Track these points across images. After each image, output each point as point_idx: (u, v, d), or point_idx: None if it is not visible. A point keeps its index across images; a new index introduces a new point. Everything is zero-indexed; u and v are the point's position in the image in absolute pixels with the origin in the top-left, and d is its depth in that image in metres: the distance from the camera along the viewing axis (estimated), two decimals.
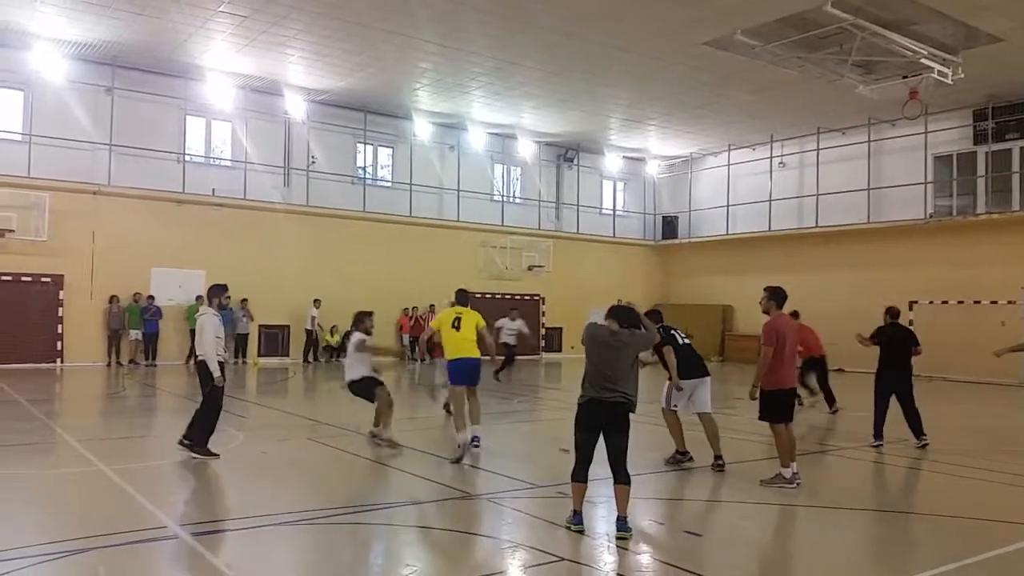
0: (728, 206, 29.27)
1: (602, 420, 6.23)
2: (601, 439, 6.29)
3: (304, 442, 10.46)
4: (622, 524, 6.10)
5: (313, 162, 24.19)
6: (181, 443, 8.88)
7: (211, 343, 8.84)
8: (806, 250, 26.59)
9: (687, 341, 9.07)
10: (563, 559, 5.60)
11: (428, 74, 21.49)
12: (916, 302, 22.34)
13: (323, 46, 19.24)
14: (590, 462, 6.29)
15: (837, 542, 6.45)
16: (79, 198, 20.42)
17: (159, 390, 16.59)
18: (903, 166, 24.24)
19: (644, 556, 5.87)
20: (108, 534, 5.91)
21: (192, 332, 21.16)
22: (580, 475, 6.28)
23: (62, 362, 20.27)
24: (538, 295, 28.75)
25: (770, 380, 7.98)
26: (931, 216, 23.48)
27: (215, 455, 8.83)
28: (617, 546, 5.93)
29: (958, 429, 13.40)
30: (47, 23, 18.08)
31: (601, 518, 6.99)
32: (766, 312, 8.20)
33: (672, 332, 8.93)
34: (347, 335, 9.84)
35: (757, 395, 8.02)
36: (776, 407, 8.02)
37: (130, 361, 20.97)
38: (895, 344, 10.85)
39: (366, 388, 9.81)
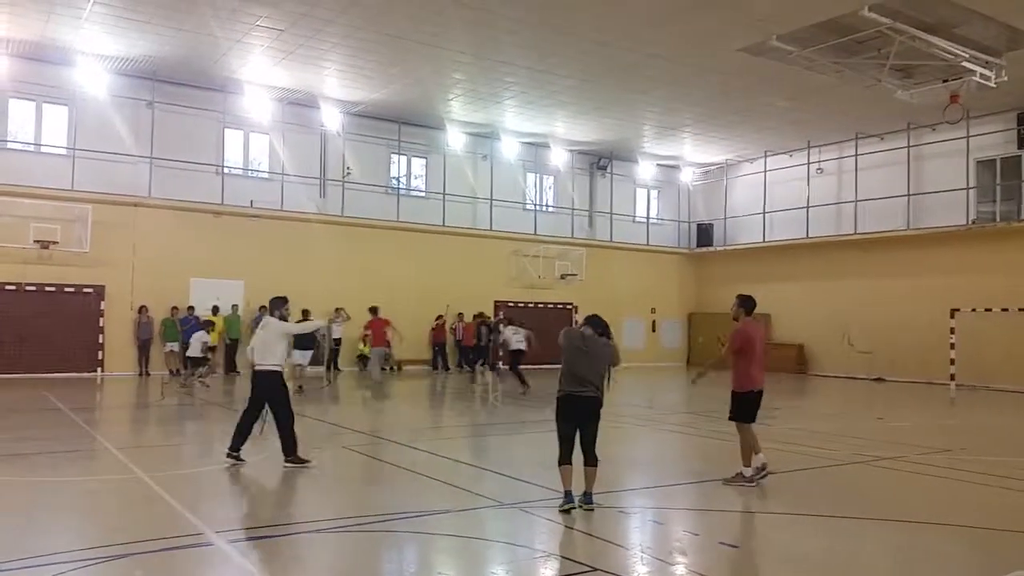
0: (764, 213, 28.94)
1: (577, 412, 7.17)
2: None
3: (339, 450, 10.52)
4: (588, 498, 7.04)
5: (348, 173, 24.43)
6: (285, 464, 8.98)
7: (283, 352, 9.24)
8: (845, 257, 26.18)
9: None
10: (596, 569, 5.54)
11: (461, 84, 21.61)
12: (958, 310, 21.85)
13: (358, 58, 19.45)
14: (572, 448, 7.15)
15: (873, 553, 6.30)
16: (120, 210, 20.85)
17: (198, 399, 16.81)
18: (944, 171, 23.76)
19: (679, 567, 5.79)
20: (145, 540, 5.99)
21: (233, 342, 21.73)
22: (566, 459, 7.13)
23: (102, 371, 20.65)
24: (571, 304, 28.66)
25: (741, 382, 8.49)
26: (973, 222, 22.97)
27: (305, 461, 9.03)
28: (583, 510, 6.89)
29: (994, 438, 13.04)
30: (90, 39, 18.52)
31: (634, 528, 6.93)
32: (735, 319, 8.73)
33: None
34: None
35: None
36: (745, 408, 8.52)
37: (174, 372, 21.17)
38: None
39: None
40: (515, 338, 18.63)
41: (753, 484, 8.25)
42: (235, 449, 9.03)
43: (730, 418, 8.62)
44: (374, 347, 19.86)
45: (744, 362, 8.42)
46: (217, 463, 9.19)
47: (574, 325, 7.63)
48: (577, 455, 7.18)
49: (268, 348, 9.15)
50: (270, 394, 9.12)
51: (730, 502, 7.95)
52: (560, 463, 7.14)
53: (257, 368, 9.17)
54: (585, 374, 7.17)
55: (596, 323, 7.48)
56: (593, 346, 7.27)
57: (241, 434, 9.07)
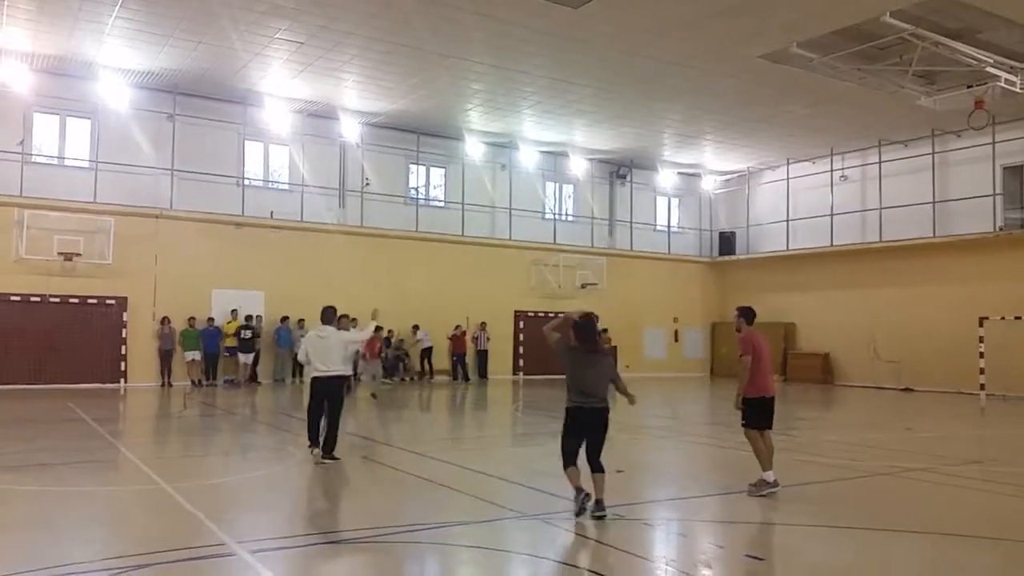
0: (788, 221, 28.70)
1: (587, 423, 7.26)
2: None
3: (359, 461, 10.48)
4: (600, 506, 7.01)
5: (367, 184, 24.51)
6: (321, 461, 9.69)
7: (345, 358, 10.00)
8: (869, 265, 25.88)
9: None
10: None
11: (480, 94, 21.63)
12: (987, 318, 21.51)
13: (377, 70, 19.53)
14: (576, 455, 7.29)
15: (902, 566, 6.14)
16: (142, 222, 21.04)
17: (219, 410, 16.86)
18: (970, 178, 23.46)
19: None
20: (168, 550, 5.96)
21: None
22: (571, 462, 7.26)
23: (125, 382, 20.79)
24: (592, 313, 28.48)
25: (751, 389, 8.54)
26: (1001, 229, 22.64)
27: (336, 458, 9.80)
28: (594, 519, 6.90)
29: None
30: (113, 53, 18.74)
31: (659, 541, 6.82)
32: (738, 330, 8.96)
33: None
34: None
35: (741, 404, 8.55)
36: (758, 414, 8.55)
37: (196, 383, 21.26)
38: None
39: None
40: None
41: (777, 488, 8.23)
42: (315, 443, 9.84)
43: (743, 424, 8.66)
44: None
45: (753, 368, 8.54)
46: (239, 473, 9.16)
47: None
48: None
49: (330, 355, 9.84)
50: (331, 395, 9.91)
51: (756, 514, 7.81)
52: (566, 466, 7.27)
53: (320, 374, 9.87)
54: (593, 387, 7.29)
55: (589, 329, 7.63)
56: (599, 363, 7.47)
57: (313, 429, 9.92)
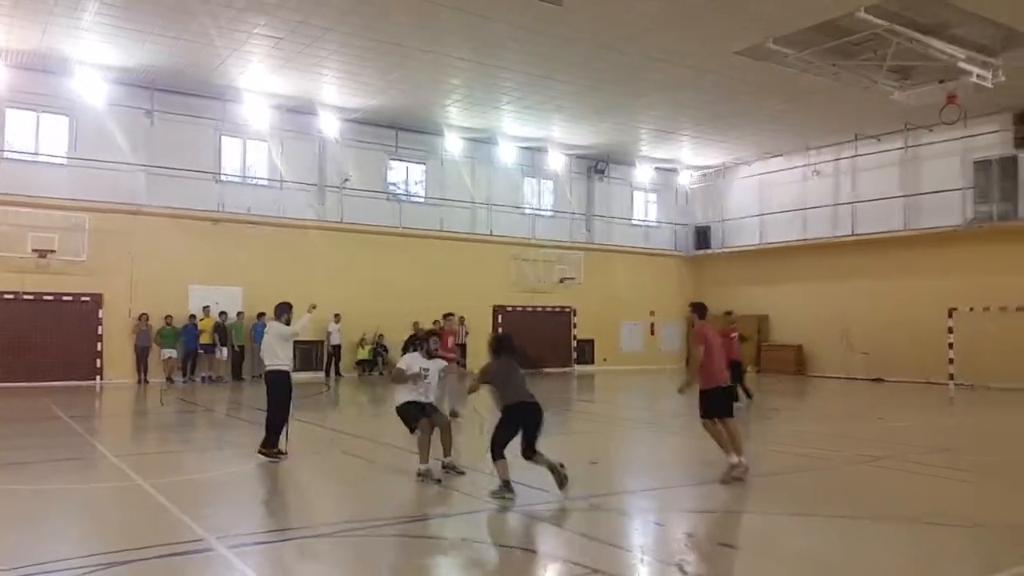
0: (762, 215, 29.00)
1: (529, 415, 7.83)
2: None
3: (338, 455, 10.53)
4: (560, 475, 7.73)
5: (347, 180, 24.46)
6: (258, 452, 9.62)
7: (298, 328, 9.98)
8: (842, 258, 26.22)
9: None
10: (597, 571, 5.55)
11: (459, 90, 21.65)
12: (956, 309, 21.89)
13: (356, 65, 19.49)
14: (505, 447, 7.70)
15: (872, 552, 6.31)
16: (118, 218, 20.87)
17: (197, 406, 16.82)
18: (941, 172, 23.81)
19: (679, 569, 5.80)
20: (146, 547, 6.00)
21: (239, 347, 21.81)
22: (501, 454, 7.66)
23: (101, 379, 20.65)
24: (570, 307, 28.69)
25: (706, 380, 9.02)
26: (971, 222, 23.02)
27: (283, 453, 9.66)
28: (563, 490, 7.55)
29: (994, 437, 13.06)
30: (89, 49, 18.55)
31: (635, 530, 6.95)
32: (691, 325, 9.56)
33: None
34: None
35: (685, 390, 9.26)
36: (714, 403, 8.96)
37: (171, 379, 21.19)
38: None
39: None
40: None
41: (744, 469, 8.55)
42: (273, 445, 9.66)
43: (701, 415, 9.00)
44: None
45: (706, 360, 9.00)
46: (217, 469, 9.19)
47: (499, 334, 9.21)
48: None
49: (270, 350, 9.81)
50: (273, 390, 9.78)
51: (729, 503, 7.97)
52: (496, 458, 7.67)
53: (266, 368, 9.89)
54: (522, 387, 7.95)
55: (508, 341, 8.41)
56: (516, 366, 8.16)
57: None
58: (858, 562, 6.09)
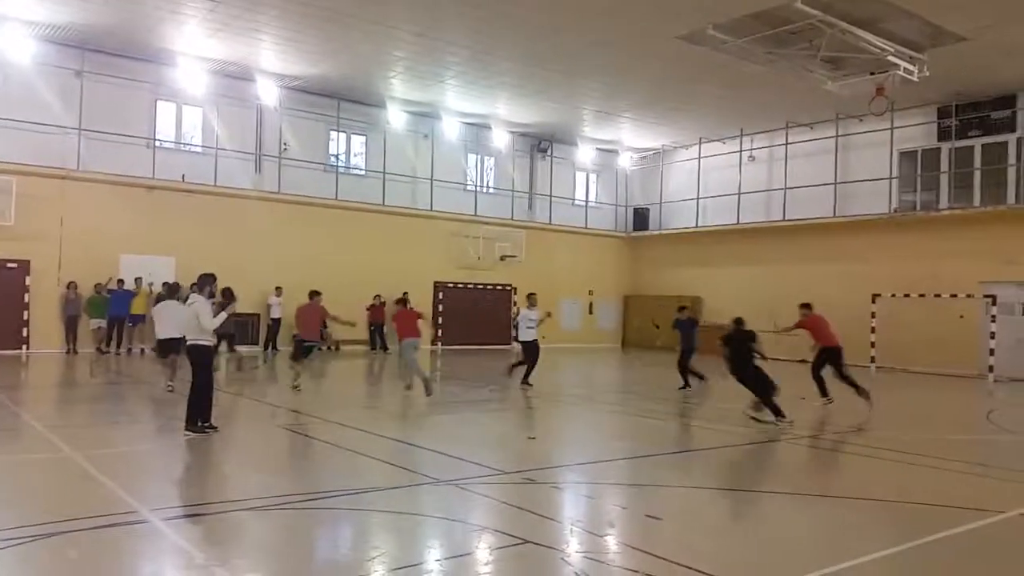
0: (698, 199, 29.60)
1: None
2: None
3: (274, 429, 10.53)
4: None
5: (285, 149, 24.08)
6: (185, 432, 9.39)
7: (211, 326, 9.44)
8: (773, 243, 26.98)
9: None
10: (528, 542, 5.76)
11: (402, 62, 21.46)
12: (879, 295, 22.80)
13: (297, 32, 19.14)
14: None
15: (792, 525, 6.68)
16: (47, 183, 20.18)
17: (125, 377, 16.51)
18: (869, 161, 24.66)
19: (607, 539, 6.06)
20: (78, 518, 5.97)
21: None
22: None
23: (28, 349, 20.05)
24: (510, 285, 28.89)
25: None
26: (895, 211, 23.95)
27: (214, 428, 9.50)
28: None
29: (910, 417, 13.77)
30: (14, 3, 17.79)
31: (567, 503, 7.19)
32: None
33: None
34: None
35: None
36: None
37: (101, 350, 20.71)
38: None
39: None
40: (524, 323, 16.40)
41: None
42: (205, 420, 9.50)
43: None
44: (407, 338, 14.70)
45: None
46: (150, 441, 9.11)
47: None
48: None
49: (192, 324, 9.56)
50: (196, 366, 9.58)
51: (658, 478, 8.28)
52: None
53: (188, 343, 9.65)
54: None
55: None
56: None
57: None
58: (776, 534, 6.44)
